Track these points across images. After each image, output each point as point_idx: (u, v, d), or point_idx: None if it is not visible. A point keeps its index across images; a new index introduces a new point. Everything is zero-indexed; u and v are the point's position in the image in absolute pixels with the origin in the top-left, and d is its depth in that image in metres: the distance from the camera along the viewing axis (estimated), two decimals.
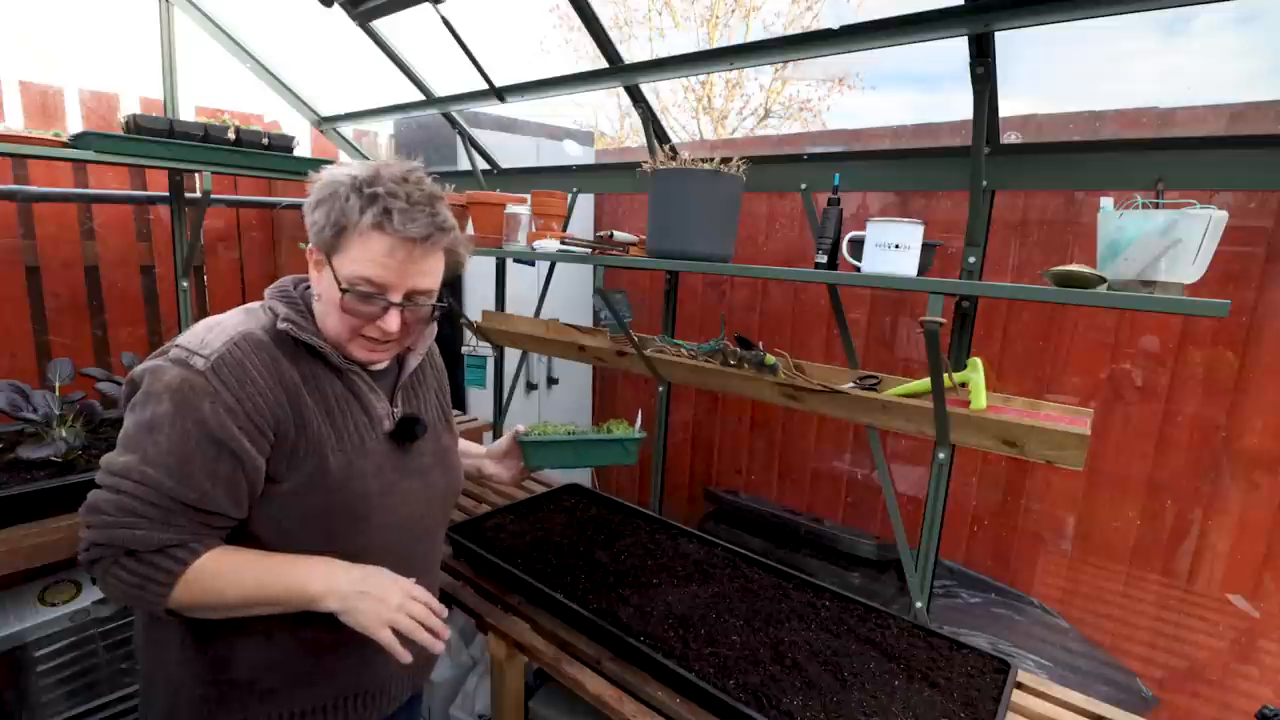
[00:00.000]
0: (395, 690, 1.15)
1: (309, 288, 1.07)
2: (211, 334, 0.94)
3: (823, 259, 1.48)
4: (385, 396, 1.07)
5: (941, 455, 1.47)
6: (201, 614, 0.94)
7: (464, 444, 1.43)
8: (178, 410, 0.87)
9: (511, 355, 2.75)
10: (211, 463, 0.88)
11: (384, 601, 0.93)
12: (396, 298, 0.95)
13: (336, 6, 1.97)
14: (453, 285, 2.83)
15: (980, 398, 1.37)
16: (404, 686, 1.17)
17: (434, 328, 1.18)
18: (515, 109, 2.41)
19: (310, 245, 0.98)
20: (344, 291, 0.93)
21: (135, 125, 2.07)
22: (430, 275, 0.98)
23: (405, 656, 0.92)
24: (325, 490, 0.96)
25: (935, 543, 1.52)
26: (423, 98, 2.38)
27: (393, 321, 0.96)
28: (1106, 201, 1.13)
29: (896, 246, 1.29)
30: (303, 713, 1.04)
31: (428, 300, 0.99)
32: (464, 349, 2.51)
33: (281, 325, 0.96)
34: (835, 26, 1.38)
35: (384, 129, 3.21)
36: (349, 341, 0.98)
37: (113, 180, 2.49)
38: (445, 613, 0.99)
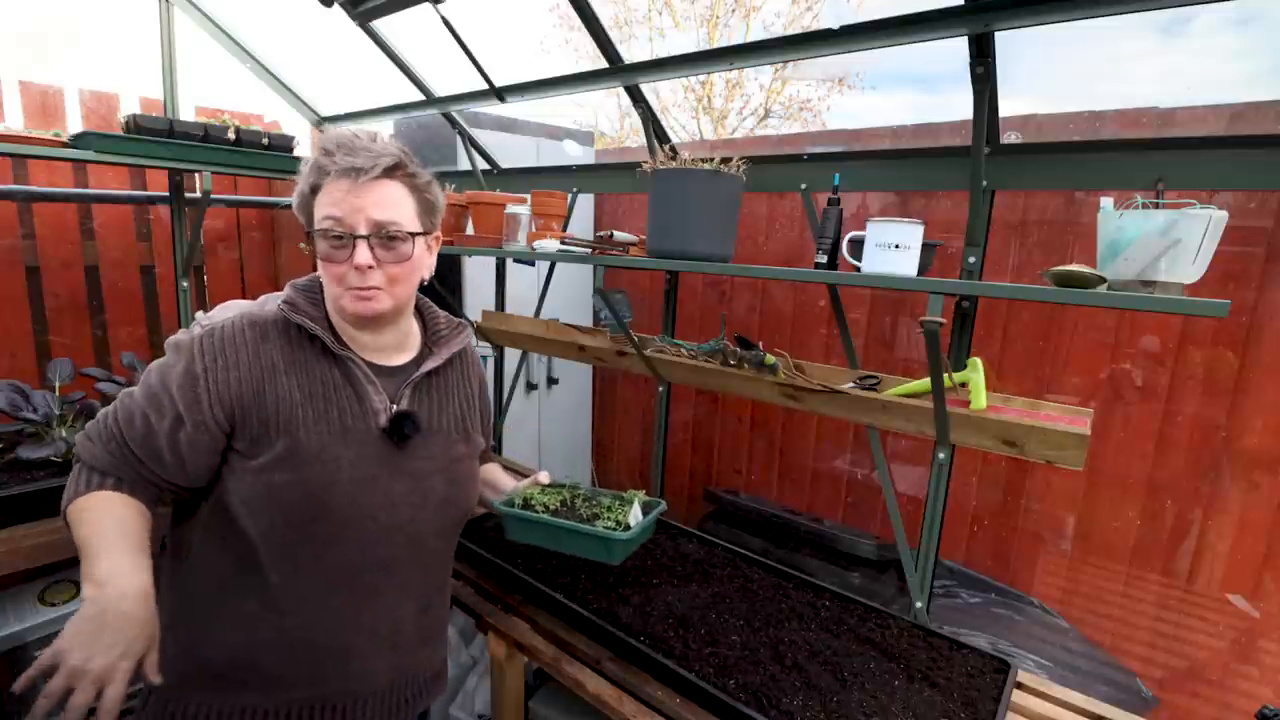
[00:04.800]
0: (371, 712, 1.09)
1: None
2: (224, 312, 1.04)
3: (823, 259, 1.48)
4: (387, 391, 1.06)
5: (941, 455, 1.47)
6: None
7: (495, 475, 1.39)
8: (165, 363, 1.01)
9: (511, 355, 2.75)
10: (159, 414, 0.97)
11: (91, 646, 0.83)
12: (361, 231, 0.97)
13: (336, 6, 1.97)
14: (453, 286, 2.83)
15: (980, 398, 1.37)
16: (382, 713, 1.10)
17: (466, 334, 1.19)
18: (515, 109, 2.41)
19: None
20: (316, 236, 0.98)
21: (135, 125, 2.07)
22: (386, 206, 0.98)
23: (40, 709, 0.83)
24: (292, 468, 0.96)
25: (935, 543, 1.52)
26: (423, 98, 2.38)
27: (362, 254, 0.96)
28: (1106, 201, 1.13)
29: (896, 246, 1.29)
30: (270, 712, 1.02)
31: (396, 231, 0.99)
32: None
33: (280, 307, 1.01)
34: (835, 26, 1.38)
35: (384, 129, 3.21)
36: (341, 296, 1.00)
37: (113, 180, 2.49)
38: None
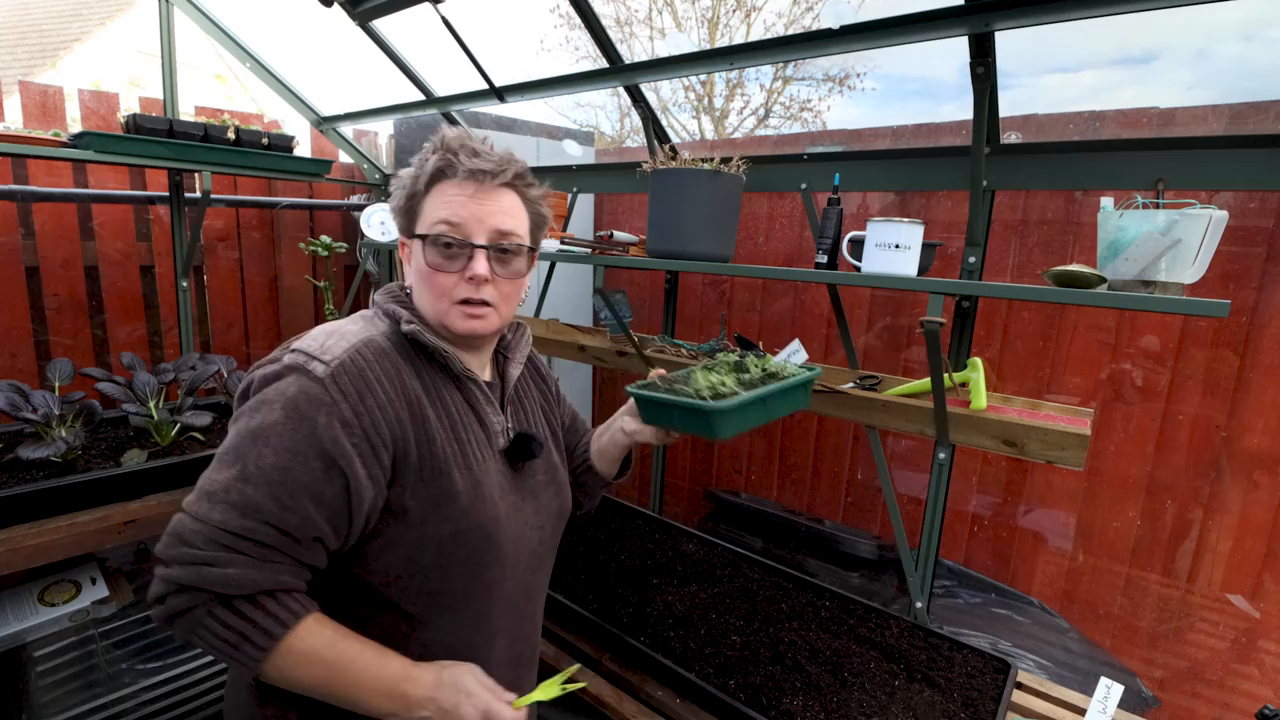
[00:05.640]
0: None
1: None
2: (332, 339, 0.86)
3: (823, 259, 1.48)
4: (500, 410, 1.00)
5: (941, 455, 1.47)
6: (281, 685, 0.82)
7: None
8: (289, 419, 0.78)
9: None
10: (319, 483, 0.78)
11: (466, 704, 0.82)
12: (480, 240, 0.89)
13: (336, 6, 1.98)
14: None
15: (980, 398, 1.37)
16: None
17: (529, 335, 1.11)
18: (515, 109, 2.42)
19: (399, 238, 0.96)
20: (425, 241, 0.89)
21: (135, 125, 2.07)
22: (510, 215, 0.92)
23: None
24: (456, 514, 0.87)
25: (935, 543, 1.52)
26: (423, 98, 2.38)
27: (480, 264, 0.88)
28: (1107, 201, 1.13)
29: (896, 246, 1.29)
30: None
31: (516, 244, 0.92)
32: None
33: (407, 328, 0.89)
34: (835, 26, 1.38)
35: (384, 129, 3.21)
36: (447, 312, 0.90)
37: (113, 180, 2.49)
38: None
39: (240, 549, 0.76)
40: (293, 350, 0.85)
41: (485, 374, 1.02)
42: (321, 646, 0.80)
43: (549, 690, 0.93)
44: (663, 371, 1.07)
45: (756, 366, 1.10)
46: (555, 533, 1.07)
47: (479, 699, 0.83)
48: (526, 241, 0.95)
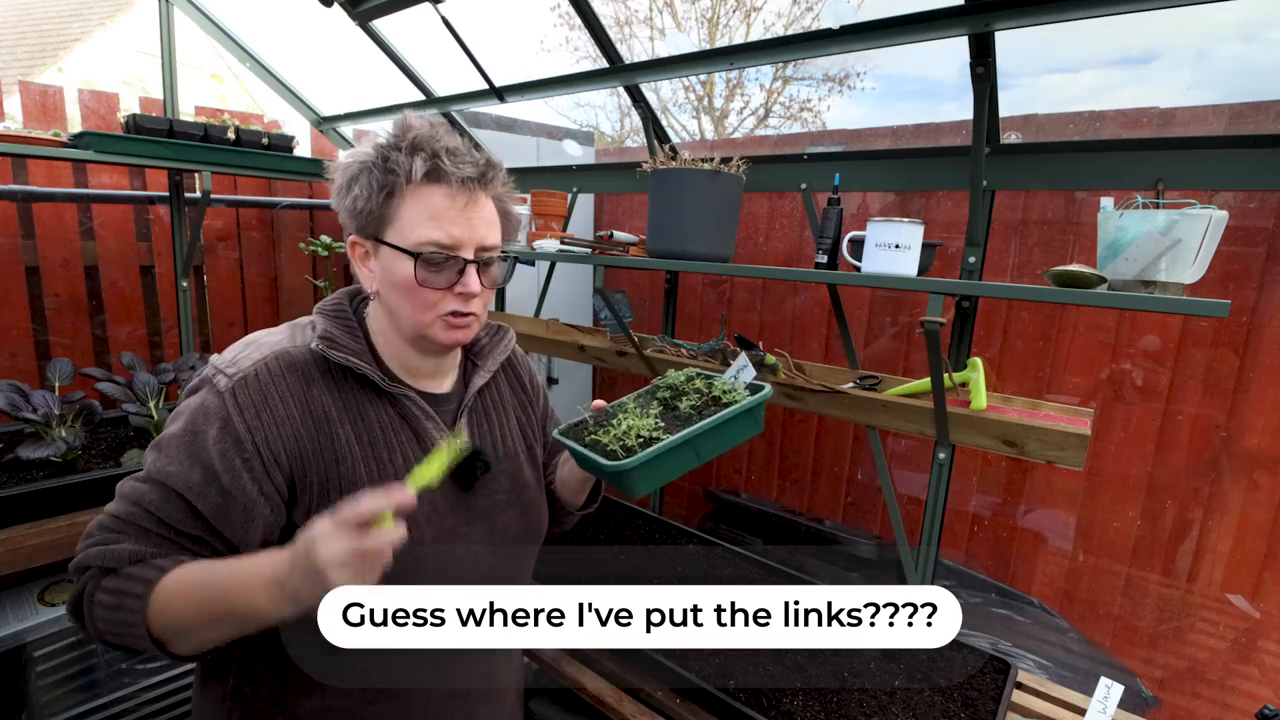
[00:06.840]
0: None
1: (367, 300, 0.94)
2: (246, 351, 0.85)
3: (823, 259, 1.48)
4: (445, 423, 0.93)
5: (941, 455, 1.47)
6: (182, 648, 0.78)
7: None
8: (186, 431, 0.80)
9: None
10: (199, 494, 0.78)
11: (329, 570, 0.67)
12: (469, 254, 0.84)
13: (336, 6, 1.98)
14: None
15: (980, 398, 1.37)
16: None
17: (509, 340, 1.05)
18: (515, 108, 2.42)
19: (351, 237, 0.88)
20: (415, 258, 0.81)
21: (135, 125, 2.07)
22: (492, 225, 0.88)
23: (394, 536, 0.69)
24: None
25: (935, 542, 1.52)
26: (423, 98, 2.38)
27: (474, 280, 0.84)
28: (1107, 201, 1.14)
29: (896, 246, 1.29)
30: None
31: (500, 254, 0.89)
32: None
33: (314, 345, 0.84)
34: (835, 26, 1.38)
35: (384, 129, 3.21)
36: (430, 324, 0.85)
37: (112, 180, 2.49)
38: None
39: (124, 531, 0.79)
40: (211, 361, 0.86)
41: (446, 383, 0.97)
42: (192, 573, 0.76)
43: (438, 461, 0.77)
44: (602, 403, 0.96)
45: (693, 394, 0.94)
46: (518, 558, 1.01)
47: (330, 544, 0.67)
48: (501, 247, 0.91)
